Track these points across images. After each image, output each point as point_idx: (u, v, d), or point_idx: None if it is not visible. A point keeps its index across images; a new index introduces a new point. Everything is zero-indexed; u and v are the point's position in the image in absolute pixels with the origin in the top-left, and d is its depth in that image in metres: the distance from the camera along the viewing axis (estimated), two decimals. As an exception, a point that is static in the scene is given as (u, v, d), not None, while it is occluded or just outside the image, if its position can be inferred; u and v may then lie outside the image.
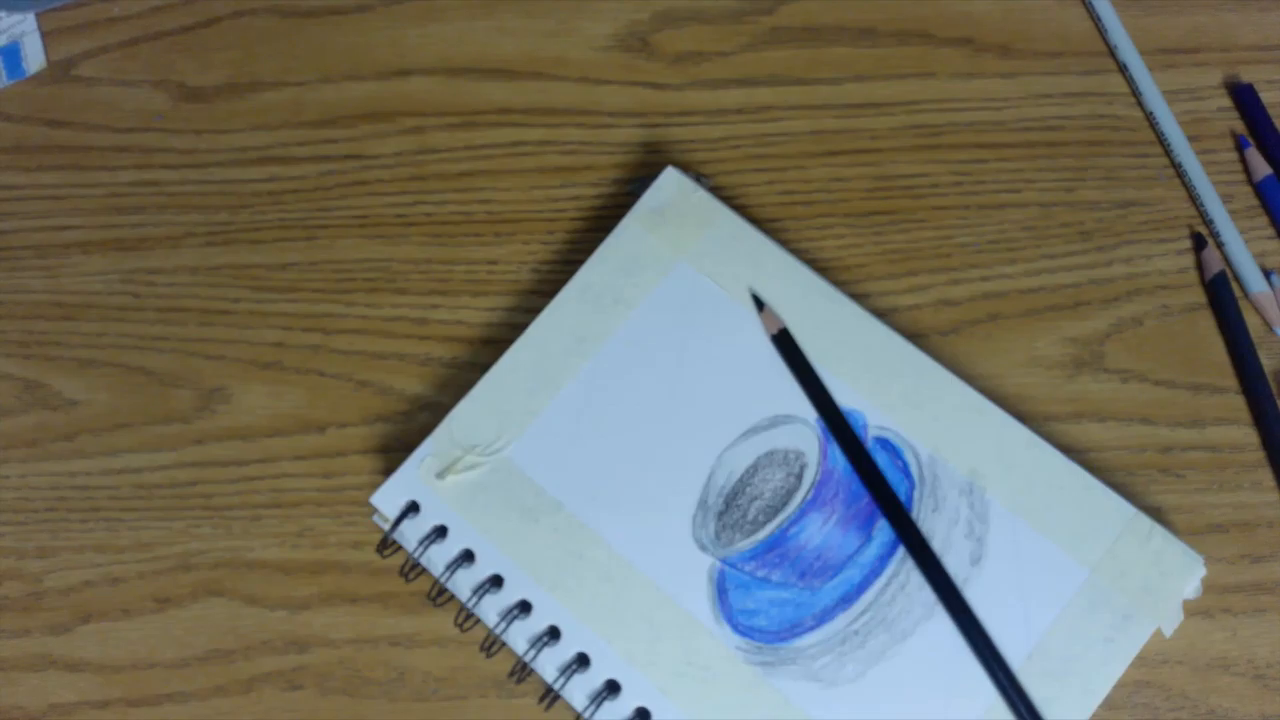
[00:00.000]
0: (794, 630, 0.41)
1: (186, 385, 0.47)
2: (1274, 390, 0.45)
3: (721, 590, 0.41)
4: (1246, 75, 0.50)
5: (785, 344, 0.44)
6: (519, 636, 0.41)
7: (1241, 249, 0.47)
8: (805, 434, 0.43)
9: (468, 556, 0.42)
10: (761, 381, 0.44)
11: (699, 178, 0.47)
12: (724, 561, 0.42)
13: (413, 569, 0.42)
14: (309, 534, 0.44)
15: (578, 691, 0.40)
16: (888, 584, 0.41)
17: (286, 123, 0.50)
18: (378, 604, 0.44)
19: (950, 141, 0.49)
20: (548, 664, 0.41)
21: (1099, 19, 0.51)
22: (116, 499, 0.45)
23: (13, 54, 0.51)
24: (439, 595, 0.42)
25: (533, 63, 0.51)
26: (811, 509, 0.42)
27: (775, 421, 0.43)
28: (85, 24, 0.52)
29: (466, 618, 0.42)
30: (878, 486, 0.42)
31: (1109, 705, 0.41)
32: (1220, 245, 0.47)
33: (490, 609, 0.41)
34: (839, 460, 0.42)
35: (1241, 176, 0.49)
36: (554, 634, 0.41)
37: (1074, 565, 0.41)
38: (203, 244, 0.49)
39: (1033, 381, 0.46)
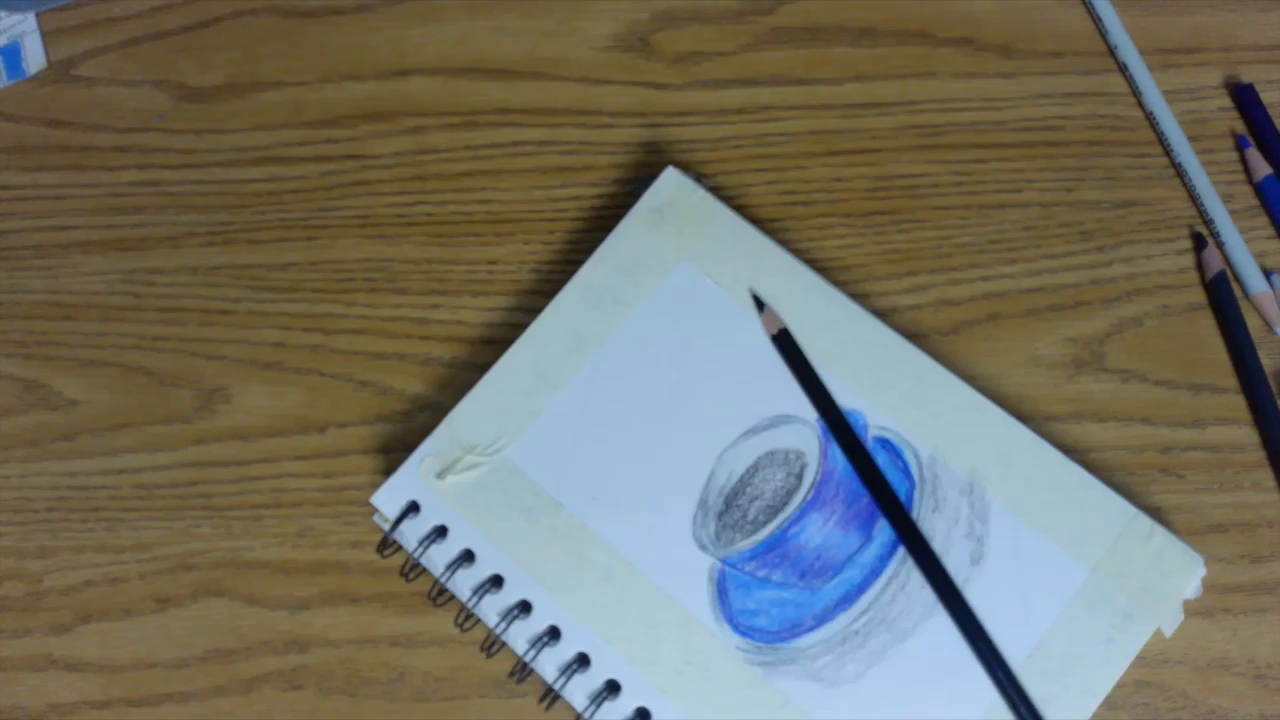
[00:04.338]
0: (794, 630, 0.41)
1: (187, 385, 0.47)
2: (1274, 390, 0.45)
3: (722, 590, 0.41)
4: (1246, 75, 0.50)
5: (785, 344, 0.44)
6: (519, 636, 0.41)
7: (1241, 249, 0.47)
8: (805, 434, 0.43)
9: (468, 556, 0.42)
10: (762, 381, 0.44)
11: (699, 178, 0.47)
12: (724, 561, 0.42)
13: (413, 569, 0.42)
14: (309, 534, 0.44)
15: (578, 691, 0.40)
16: (888, 584, 0.41)
17: (286, 123, 0.50)
18: (378, 604, 0.44)
19: (950, 141, 0.49)
20: (548, 664, 0.41)
21: (1099, 19, 0.51)
22: (116, 499, 0.45)
23: (13, 54, 0.51)
24: (439, 595, 0.42)
25: (533, 63, 0.51)
26: (812, 509, 0.42)
27: (775, 421, 0.43)
28: (85, 24, 0.52)
29: (466, 618, 0.42)
30: (878, 486, 0.42)
31: (1109, 705, 0.41)
32: (1220, 245, 0.47)
33: (490, 609, 0.41)
34: (839, 460, 0.42)
35: (1241, 176, 0.49)
36: (554, 634, 0.41)
37: (1074, 565, 0.41)
38: (203, 244, 0.49)
39: (1033, 381, 0.46)
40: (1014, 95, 0.50)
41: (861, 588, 0.41)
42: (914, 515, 0.42)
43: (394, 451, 0.45)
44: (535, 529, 0.42)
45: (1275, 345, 0.46)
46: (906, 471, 0.42)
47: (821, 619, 0.41)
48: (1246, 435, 0.45)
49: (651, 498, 0.42)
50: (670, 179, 0.46)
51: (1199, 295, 0.47)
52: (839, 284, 0.46)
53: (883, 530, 0.42)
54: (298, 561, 0.44)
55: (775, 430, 0.43)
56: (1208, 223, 0.48)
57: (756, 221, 0.47)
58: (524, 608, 0.41)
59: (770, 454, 0.43)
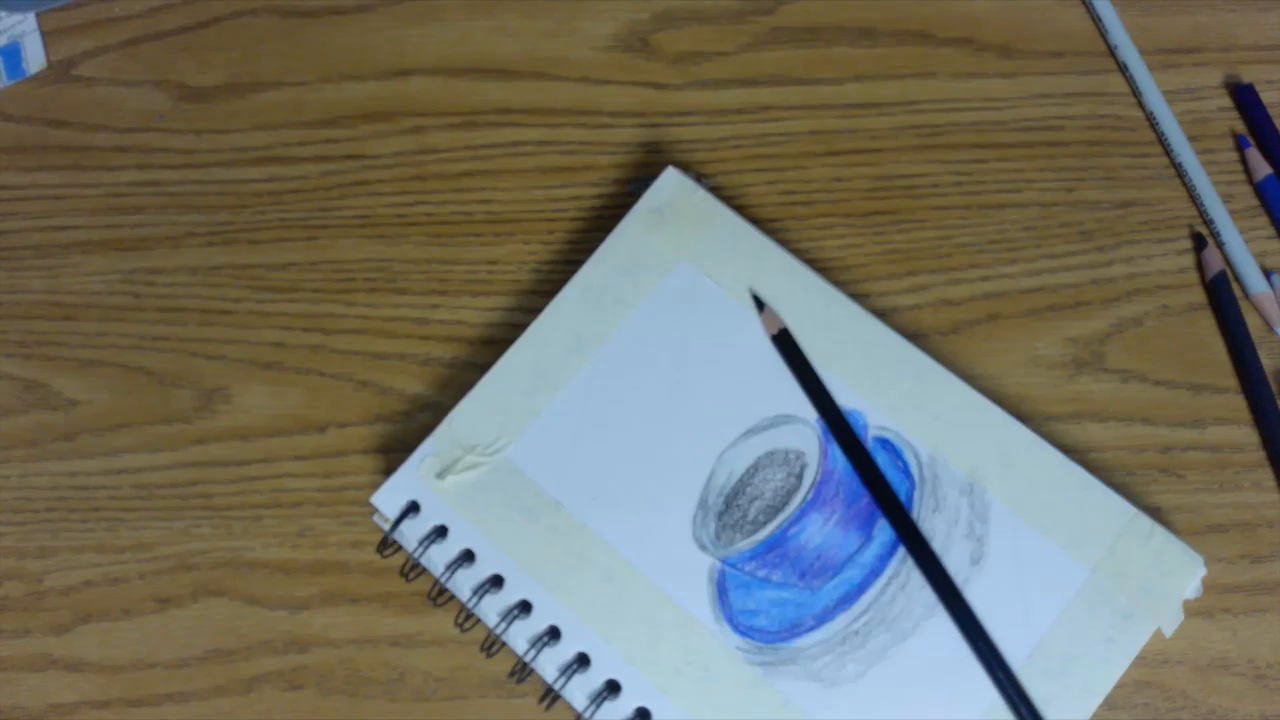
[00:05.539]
0: (794, 630, 0.41)
1: (186, 385, 0.47)
2: (1274, 390, 0.45)
3: (722, 590, 0.41)
4: (1246, 75, 0.50)
5: (785, 344, 0.44)
6: (519, 636, 0.41)
7: (1241, 249, 0.47)
8: (805, 434, 0.43)
9: (468, 556, 0.42)
10: (762, 381, 0.44)
11: (699, 178, 0.47)
12: (724, 561, 0.42)
13: (413, 569, 0.42)
14: (309, 534, 0.44)
15: (578, 691, 0.40)
16: (888, 584, 0.41)
17: (286, 123, 0.50)
18: (378, 604, 0.44)
19: (950, 141, 0.49)
20: (548, 664, 0.41)
21: (1099, 19, 0.51)
22: (116, 499, 0.45)
23: (13, 54, 0.51)
24: (439, 595, 0.42)
25: (533, 63, 0.51)
26: (812, 509, 0.42)
27: (775, 421, 0.43)
28: (85, 24, 0.52)
29: (466, 618, 0.42)
30: (878, 486, 0.42)
31: (1109, 705, 0.41)
32: (1220, 245, 0.47)
33: (490, 609, 0.41)
34: (839, 460, 0.42)
35: (1241, 176, 0.49)
36: (554, 634, 0.41)
37: (1074, 565, 0.41)
38: (203, 244, 0.49)
39: (1033, 381, 0.46)
40: (1014, 95, 0.50)
41: (861, 588, 0.41)
42: (914, 515, 0.42)
43: (394, 451, 0.45)
44: (535, 529, 0.42)
45: (1275, 345, 0.46)
46: (906, 471, 0.42)
47: (821, 619, 0.41)
48: (1246, 435, 0.45)
49: (651, 498, 0.42)
50: (670, 179, 0.46)
51: (1199, 295, 0.47)
52: (839, 284, 0.46)
53: (883, 530, 0.42)
54: (298, 561, 0.44)
55: (775, 430, 0.43)
56: (1208, 223, 0.48)
57: (756, 221, 0.47)
58: (524, 608, 0.41)
59: (770, 454, 0.43)
